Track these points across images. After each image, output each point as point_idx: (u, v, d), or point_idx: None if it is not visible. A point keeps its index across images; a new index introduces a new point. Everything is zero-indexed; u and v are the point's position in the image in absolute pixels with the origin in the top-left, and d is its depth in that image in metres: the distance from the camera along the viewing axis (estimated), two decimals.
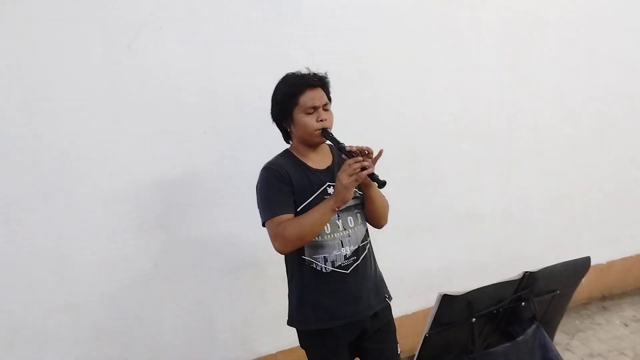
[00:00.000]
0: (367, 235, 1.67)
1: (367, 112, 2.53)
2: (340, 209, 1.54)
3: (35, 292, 2.05)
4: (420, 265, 2.74)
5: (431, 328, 1.07)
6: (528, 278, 1.15)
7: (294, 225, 1.49)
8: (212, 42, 2.18)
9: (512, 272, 3.02)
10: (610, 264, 3.16)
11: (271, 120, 1.68)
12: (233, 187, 2.32)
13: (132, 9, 2.04)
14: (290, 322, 1.69)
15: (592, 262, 3.29)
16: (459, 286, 2.86)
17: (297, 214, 1.54)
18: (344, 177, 1.41)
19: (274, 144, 2.00)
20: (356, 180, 1.41)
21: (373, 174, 1.43)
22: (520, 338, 1.14)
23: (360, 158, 1.42)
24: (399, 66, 2.58)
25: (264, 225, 1.58)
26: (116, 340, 2.21)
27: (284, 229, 1.49)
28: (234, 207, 2.33)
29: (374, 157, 1.47)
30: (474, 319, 1.10)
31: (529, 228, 2.98)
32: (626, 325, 2.83)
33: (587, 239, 3.13)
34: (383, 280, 1.75)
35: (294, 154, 1.65)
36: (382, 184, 1.44)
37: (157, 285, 2.26)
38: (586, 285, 3.11)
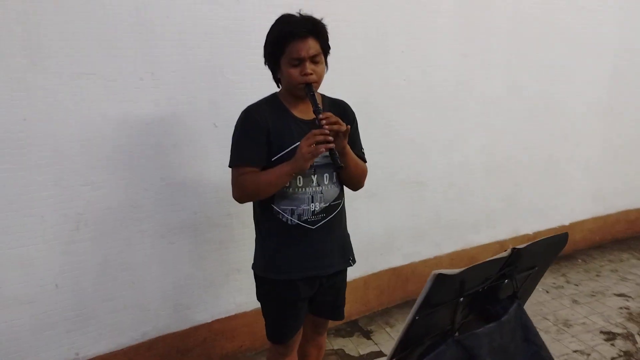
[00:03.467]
0: (341, 194, 1.62)
1: None
2: (318, 164, 1.49)
3: None
4: (363, 231, 2.67)
5: (420, 309, 0.97)
6: (515, 255, 1.08)
7: (252, 181, 1.47)
8: None
9: (449, 239, 3.03)
10: (537, 234, 3.33)
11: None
12: (171, 141, 2.06)
13: None
14: (253, 267, 1.66)
15: (521, 232, 3.38)
16: (399, 252, 2.83)
17: (272, 163, 1.47)
18: (304, 145, 1.36)
19: (217, 93, 1.86)
20: (313, 154, 1.35)
21: (333, 151, 1.36)
22: (504, 318, 1.08)
23: (326, 131, 1.34)
24: (359, 22, 2.43)
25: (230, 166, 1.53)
26: (30, 311, 1.91)
27: (244, 181, 1.48)
28: (171, 162, 2.08)
29: (341, 130, 1.39)
30: (461, 299, 1.02)
31: (467, 197, 3.02)
32: (547, 292, 3.01)
33: (517, 209, 3.26)
34: (350, 241, 1.72)
35: (281, 99, 1.55)
36: (338, 166, 1.38)
37: (78, 248, 1.97)
38: None
